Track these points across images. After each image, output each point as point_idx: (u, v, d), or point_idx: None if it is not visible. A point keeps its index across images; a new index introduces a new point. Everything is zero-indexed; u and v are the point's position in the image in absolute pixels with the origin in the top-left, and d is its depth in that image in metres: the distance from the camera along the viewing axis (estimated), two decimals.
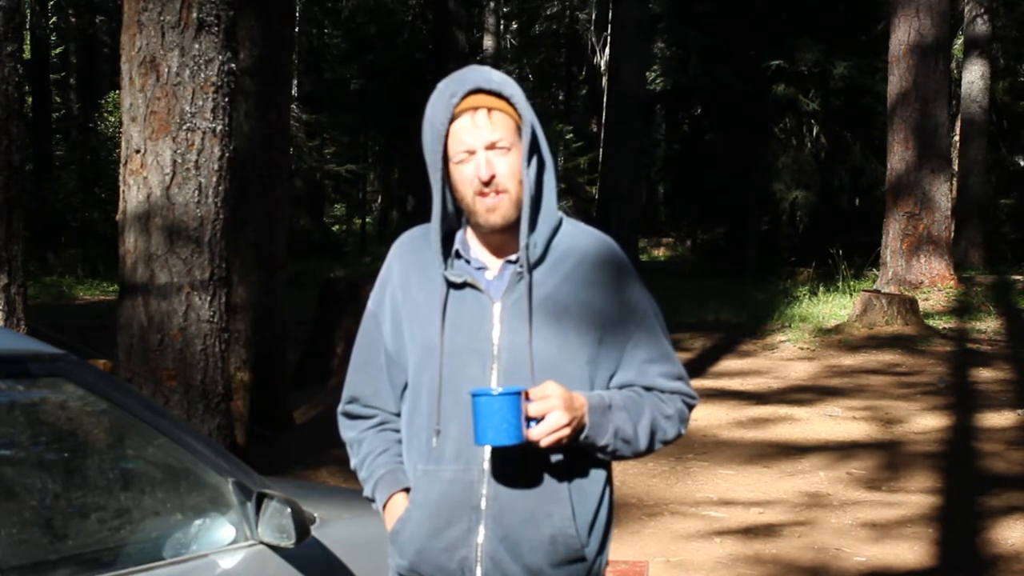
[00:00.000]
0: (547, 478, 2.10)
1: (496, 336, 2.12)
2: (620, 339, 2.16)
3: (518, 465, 2.08)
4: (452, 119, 2.09)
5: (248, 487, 2.72)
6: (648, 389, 2.19)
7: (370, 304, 2.28)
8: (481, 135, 2.08)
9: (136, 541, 2.59)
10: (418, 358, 2.17)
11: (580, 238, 2.19)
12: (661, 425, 2.18)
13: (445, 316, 2.13)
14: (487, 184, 2.08)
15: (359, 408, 2.30)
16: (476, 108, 2.08)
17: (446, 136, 2.10)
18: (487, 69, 2.14)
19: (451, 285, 2.14)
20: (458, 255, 2.17)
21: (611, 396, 2.13)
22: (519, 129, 2.11)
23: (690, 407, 2.25)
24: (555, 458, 2.10)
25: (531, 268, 2.12)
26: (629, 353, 2.17)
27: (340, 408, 2.33)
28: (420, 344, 2.16)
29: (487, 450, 2.09)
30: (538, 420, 2.01)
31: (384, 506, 2.22)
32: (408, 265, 2.21)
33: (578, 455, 2.11)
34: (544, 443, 2.02)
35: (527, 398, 2.01)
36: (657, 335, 2.20)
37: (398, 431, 2.26)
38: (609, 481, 2.20)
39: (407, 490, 2.19)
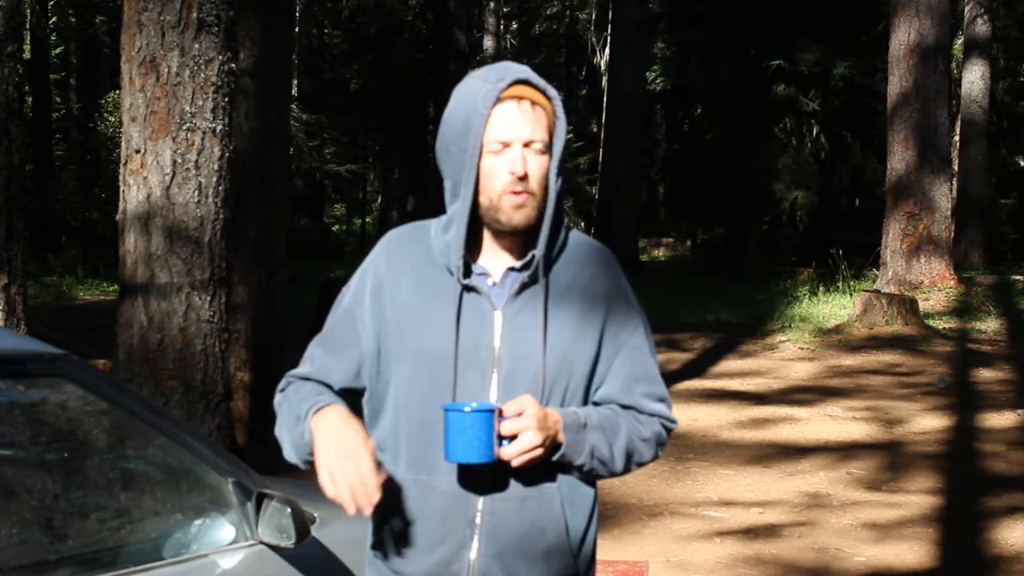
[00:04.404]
0: (541, 494, 2.05)
1: (497, 346, 2.05)
2: (611, 352, 2.10)
3: (513, 480, 2.03)
4: (496, 103, 2.01)
5: (248, 487, 2.71)
6: (626, 407, 2.11)
7: (347, 299, 2.15)
8: (521, 129, 2.00)
9: (136, 541, 2.59)
10: (411, 365, 2.07)
11: (580, 248, 2.13)
12: (638, 447, 2.11)
13: (460, 322, 2.04)
14: (521, 179, 2.00)
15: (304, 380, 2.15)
16: (521, 99, 2.01)
17: (486, 120, 2.01)
18: (526, 67, 2.09)
19: (466, 289, 2.05)
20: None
21: (587, 414, 2.06)
22: (550, 135, 2.05)
23: (668, 431, 2.16)
24: (548, 473, 2.05)
25: (547, 279, 2.06)
26: (616, 368, 2.11)
27: (283, 383, 2.16)
28: (414, 350, 2.07)
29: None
30: (512, 438, 1.96)
31: (316, 411, 2.02)
32: (400, 265, 2.11)
33: (568, 471, 2.07)
34: (516, 463, 1.96)
35: (500, 415, 1.96)
36: (645, 353, 2.13)
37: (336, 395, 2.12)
38: (596, 500, 2.15)
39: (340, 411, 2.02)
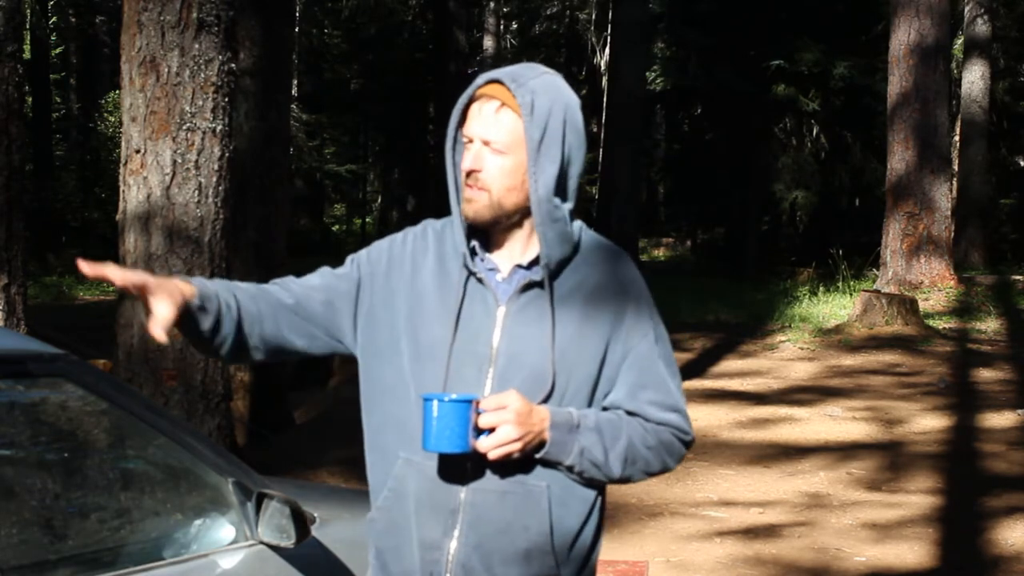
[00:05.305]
0: (526, 490, 2.04)
1: (496, 341, 2.06)
2: (619, 357, 2.09)
3: (496, 474, 2.03)
4: (472, 102, 2.08)
5: (248, 487, 2.71)
6: (633, 414, 2.10)
7: (363, 254, 2.21)
8: (479, 127, 2.05)
9: (136, 541, 2.59)
10: (413, 352, 2.09)
11: (595, 250, 2.13)
12: (642, 454, 2.09)
13: (460, 313, 2.07)
14: (469, 174, 2.06)
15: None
16: (490, 98, 2.06)
17: (462, 118, 2.09)
18: (536, 70, 2.10)
19: (473, 278, 2.08)
20: (474, 252, 2.11)
21: (582, 415, 2.05)
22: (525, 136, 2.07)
23: (684, 443, 2.13)
24: (537, 469, 2.05)
25: (552, 280, 2.07)
26: (623, 374, 2.09)
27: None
28: (422, 339, 2.08)
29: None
30: (492, 431, 1.97)
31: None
32: (427, 250, 2.15)
33: (558, 470, 2.06)
34: (491, 456, 1.97)
35: (479, 408, 1.96)
36: (655, 360, 2.11)
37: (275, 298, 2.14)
38: (598, 504, 2.12)
39: (200, 301, 2.00)
